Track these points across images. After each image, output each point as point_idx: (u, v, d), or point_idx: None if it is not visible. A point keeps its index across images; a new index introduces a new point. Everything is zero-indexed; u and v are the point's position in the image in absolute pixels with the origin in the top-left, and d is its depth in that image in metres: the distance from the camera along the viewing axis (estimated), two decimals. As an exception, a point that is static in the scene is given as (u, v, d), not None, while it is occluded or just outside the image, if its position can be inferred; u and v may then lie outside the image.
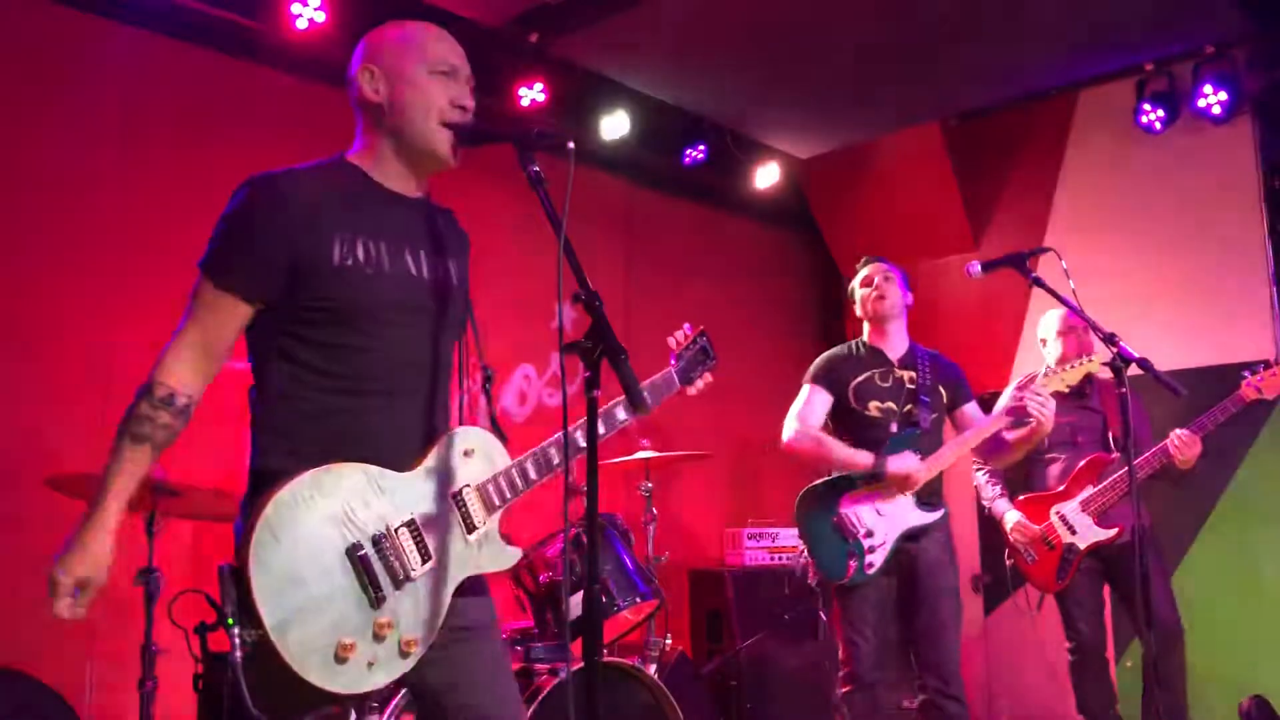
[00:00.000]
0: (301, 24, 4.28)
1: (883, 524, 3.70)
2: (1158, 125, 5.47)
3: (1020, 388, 3.62)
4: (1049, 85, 5.79)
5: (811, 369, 3.96)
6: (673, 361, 2.41)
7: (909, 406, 3.81)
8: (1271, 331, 5.31)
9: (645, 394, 1.93)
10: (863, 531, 3.69)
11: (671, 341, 2.45)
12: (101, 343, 4.06)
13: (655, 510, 4.52)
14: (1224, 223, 5.49)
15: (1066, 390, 3.76)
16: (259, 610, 1.74)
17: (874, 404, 3.81)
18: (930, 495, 3.75)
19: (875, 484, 3.71)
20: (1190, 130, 5.47)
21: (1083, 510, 4.18)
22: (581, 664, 1.75)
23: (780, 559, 5.54)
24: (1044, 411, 3.56)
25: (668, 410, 2.39)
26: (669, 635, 4.38)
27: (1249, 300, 5.38)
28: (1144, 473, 4.07)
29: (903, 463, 3.67)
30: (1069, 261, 3.29)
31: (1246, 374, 4.03)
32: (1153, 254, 5.67)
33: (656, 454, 4.49)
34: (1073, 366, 3.61)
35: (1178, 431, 4.05)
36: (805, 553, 3.85)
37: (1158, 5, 4.89)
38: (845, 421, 3.87)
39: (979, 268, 3.55)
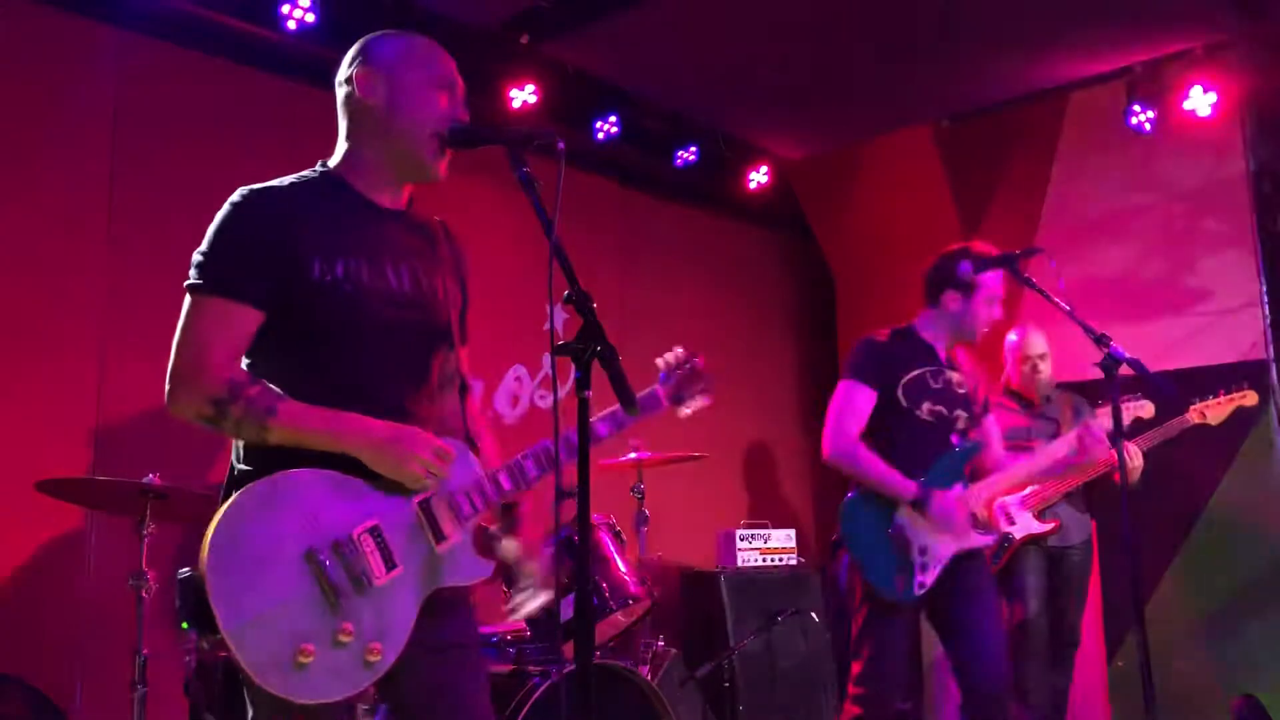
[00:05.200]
0: (291, 25, 4.27)
1: (940, 542, 3.30)
2: (1147, 126, 5.48)
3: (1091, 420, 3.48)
4: (1039, 87, 5.80)
5: (852, 359, 3.45)
6: (661, 378, 2.33)
7: (959, 412, 3.42)
8: (1261, 332, 5.32)
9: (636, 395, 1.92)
10: (917, 548, 3.29)
11: (660, 362, 2.36)
12: (93, 345, 4.05)
13: (647, 512, 4.52)
14: (1213, 223, 5.50)
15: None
16: (215, 615, 1.74)
17: (926, 405, 3.38)
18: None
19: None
20: (1179, 131, 5.48)
21: (1023, 506, 4.37)
22: (574, 666, 1.73)
23: (773, 560, 5.54)
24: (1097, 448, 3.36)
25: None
26: (661, 637, 4.39)
27: (1238, 301, 5.39)
28: (1073, 482, 4.34)
29: (945, 507, 3.25)
30: (1059, 262, 3.30)
31: (1195, 400, 4.12)
32: (1142, 254, 5.68)
33: (649, 456, 4.49)
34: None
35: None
36: (848, 558, 3.37)
37: (1146, 6, 4.90)
38: (893, 422, 3.38)
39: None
